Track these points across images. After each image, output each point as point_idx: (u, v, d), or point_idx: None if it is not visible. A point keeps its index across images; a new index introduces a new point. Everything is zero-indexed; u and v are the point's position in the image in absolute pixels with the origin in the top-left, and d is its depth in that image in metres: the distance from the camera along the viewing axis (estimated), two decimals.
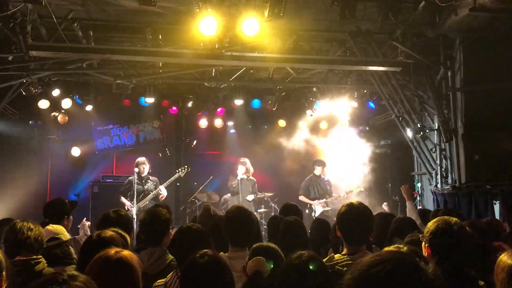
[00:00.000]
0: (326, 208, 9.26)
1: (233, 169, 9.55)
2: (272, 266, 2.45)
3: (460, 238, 2.69)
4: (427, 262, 2.63)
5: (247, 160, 9.53)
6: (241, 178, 9.25)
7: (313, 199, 9.54)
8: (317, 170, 9.71)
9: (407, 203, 5.96)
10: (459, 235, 2.69)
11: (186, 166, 9.08)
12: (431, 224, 2.78)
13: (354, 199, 8.27)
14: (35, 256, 3.14)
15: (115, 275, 2.16)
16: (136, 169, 8.28)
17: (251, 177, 9.49)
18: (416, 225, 4.45)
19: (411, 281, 1.28)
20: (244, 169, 9.30)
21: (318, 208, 9.41)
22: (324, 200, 9.45)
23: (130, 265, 2.20)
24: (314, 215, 9.20)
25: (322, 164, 9.80)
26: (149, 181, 8.54)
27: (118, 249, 2.26)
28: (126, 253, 2.25)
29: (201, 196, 10.15)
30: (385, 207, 7.99)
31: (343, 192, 9.52)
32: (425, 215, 5.25)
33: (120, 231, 2.97)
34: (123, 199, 8.40)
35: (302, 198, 9.61)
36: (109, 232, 2.82)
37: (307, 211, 9.60)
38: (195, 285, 2.36)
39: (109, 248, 2.32)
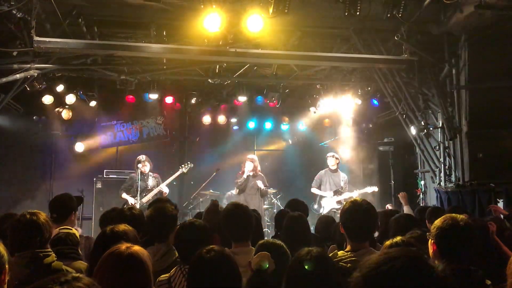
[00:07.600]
0: (336, 206, 8.96)
1: (241, 167, 9.12)
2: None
3: (467, 235, 2.68)
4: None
5: (255, 157, 9.19)
6: (247, 175, 8.89)
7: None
8: (330, 161, 9.39)
9: (404, 207, 7.04)
10: (466, 232, 2.68)
11: (189, 163, 8.96)
12: (438, 221, 2.77)
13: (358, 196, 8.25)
14: (43, 249, 3.08)
15: (127, 271, 2.15)
16: (139, 166, 8.19)
17: (259, 174, 9.09)
18: (417, 221, 4.46)
19: (421, 279, 1.27)
20: (252, 166, 8.90)
21: (326, 205, 9.21)
22: (337, 194, 9.13)
23: (142, 261, 2.19)
24: (323, 212, 9.07)
25: (335, 157, 9.49)
26: (150, 177, 8.41)
27: (128, 245, 2.25)
28: (136, 248, 2.24)
29: (204, 192, 10.15)
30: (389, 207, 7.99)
31: (356, 192, 9.17)
32: (423, 212, 5.23)
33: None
34: (125, 195, 8.23)
35: (313, 190, 9.41)
36: (122, 227, 2.84)
37: (315, 206, 9.51)
38: (203, 280, 2.36)
39: (121, 242, 2.31)
